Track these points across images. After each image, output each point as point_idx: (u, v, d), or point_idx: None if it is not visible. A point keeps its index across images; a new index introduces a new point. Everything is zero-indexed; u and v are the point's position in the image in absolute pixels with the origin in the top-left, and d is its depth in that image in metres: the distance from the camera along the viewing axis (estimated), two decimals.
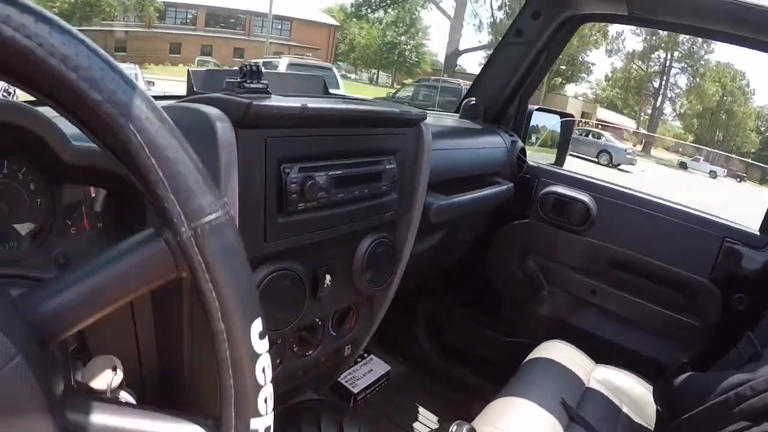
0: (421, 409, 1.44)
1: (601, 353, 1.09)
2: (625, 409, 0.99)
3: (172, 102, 0.68)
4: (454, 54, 22.80)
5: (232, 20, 23.38)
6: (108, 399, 0.37)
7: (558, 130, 1.56)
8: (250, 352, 0.32)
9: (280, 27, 24.22)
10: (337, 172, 0.69)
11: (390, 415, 1.39)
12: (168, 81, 12.23)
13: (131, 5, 19.19)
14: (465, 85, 10.38)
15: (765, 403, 0.69)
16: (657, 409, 0.95)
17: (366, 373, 1.44)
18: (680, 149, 33.47)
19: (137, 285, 0.30)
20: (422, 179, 0.87)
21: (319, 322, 0.79)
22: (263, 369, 0.34)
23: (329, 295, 0.74)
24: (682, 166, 26.56)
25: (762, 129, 34.71)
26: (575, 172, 1.42)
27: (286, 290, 0.66)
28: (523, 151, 1.37)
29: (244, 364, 0.33)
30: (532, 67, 1.36)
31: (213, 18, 22.81)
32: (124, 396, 0.43)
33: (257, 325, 0.33)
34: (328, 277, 0.73)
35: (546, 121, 1.54)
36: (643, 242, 1.26)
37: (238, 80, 0.60)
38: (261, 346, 0.33)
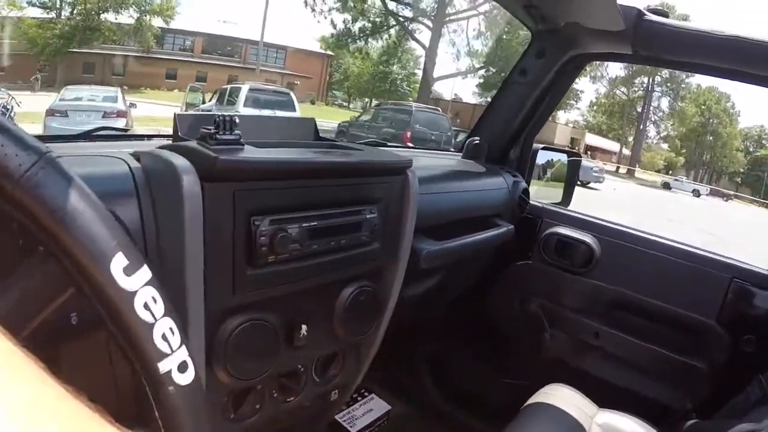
0: None
1: (604, 397, 1.04)
2: None
3: (155, 144, 0.68)
4: (428, 81, 23.47)
5: (228, 48, 23.80)
6: None
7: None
8: (118, 290, 0.30)
9: (275, 55, 24.68)
10: (312, 224, 0.67)
11: None
12: (154, 104, 12.42)
13: (131, 30, 19.46)
14: (417, 107, 11.62)
15: None
16: None
17: (365, 412, 1.38)
18: (670, 171, 34.05)
19: None
20: (408, 227, 0.85)
21: (302, 369, 0.77)
22: (145, 305, 0.31)
23: (309, 343, 0.73)
24: (666, 186, 27.01)
25: (750, 149, 35.38)
26: (579, 213, 1.38)
27: (257, 340, 0.65)
28: (525, 191, 1.33)
29: (118, 305, 0.30)
30: (536, 107, 1.34)
31: (210, 45, 23.21)
32: None
33: (119, 261, 0.31)
34: (304, 327, 0.71)
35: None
36: (647, 284, 1.23)
37: (212, 131, 0.58)
38: (133, 282, 0.31)
